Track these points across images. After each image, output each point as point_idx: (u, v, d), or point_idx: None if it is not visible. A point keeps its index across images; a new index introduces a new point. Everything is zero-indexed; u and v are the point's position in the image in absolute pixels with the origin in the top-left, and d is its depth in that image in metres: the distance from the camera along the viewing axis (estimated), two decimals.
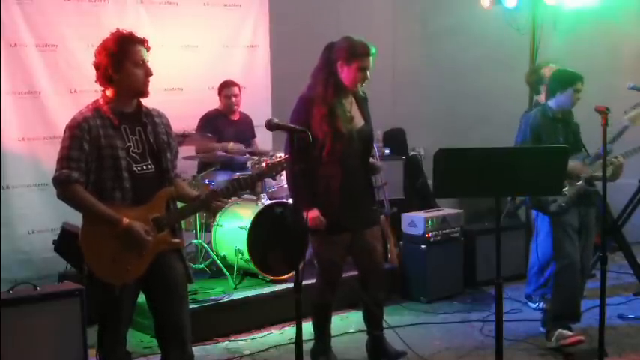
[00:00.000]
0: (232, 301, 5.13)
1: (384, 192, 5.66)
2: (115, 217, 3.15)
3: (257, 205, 5.53)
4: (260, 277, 5.48)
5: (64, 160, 3.15)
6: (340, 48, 4.08)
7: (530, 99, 6.36)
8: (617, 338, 4.81)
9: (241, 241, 5.33)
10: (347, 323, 5.19)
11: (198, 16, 6.68)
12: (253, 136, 6.44)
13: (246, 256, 5.31)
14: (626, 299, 5.69)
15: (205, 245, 5.69)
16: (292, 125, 3.61)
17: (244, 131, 6.34)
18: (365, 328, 4.53)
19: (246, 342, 4.90)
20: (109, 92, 3.27)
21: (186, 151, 5.67)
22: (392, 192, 6.21)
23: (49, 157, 4.79)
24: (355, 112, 4.21)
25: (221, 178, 5.81)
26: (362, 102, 4.26)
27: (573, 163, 4.51)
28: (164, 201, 3.32)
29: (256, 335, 5.01)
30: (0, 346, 3.83)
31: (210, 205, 3.41)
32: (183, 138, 5.42)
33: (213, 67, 6.72)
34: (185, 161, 5.58)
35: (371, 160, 4.32)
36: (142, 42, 3.27)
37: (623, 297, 5.75)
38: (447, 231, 5.85)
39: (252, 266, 5.38)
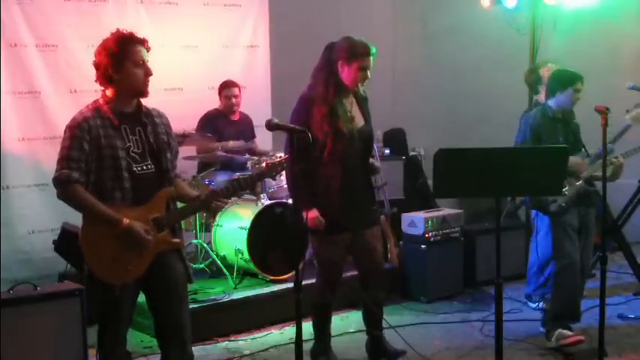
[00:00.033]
0: (232, 301, 5.13)
1: (384, 192, 5.65)
2: (115, 217, 3.15)
3: (257, 205, 5.53)
4: (260, 277, 5.48)
5: (64, 160, 3.15)
6: (340, 48, 4.08)
7: (530, 99, 6.37)
8: (617, 338, 4.81)
9: (241, 241, 5.33)
10: (347, 323, 5.18)
11: (198, 16, 6.68)
12: (253, 136, 6.44)
13: (246, 256, 5.31)
14: (626, 299, 5.69)
15: (205, 245, 5.69)
16: (292, 125, 3.60)
17: (244, 131, 6.32)
18: (365, 328, 4.53)
19: (246, 342, 4.90)
20: (109, 92, 3.27)
21: (186, 151, 5.66)
22: (392, 192, 6.20)
23: (49, 157, 4.79)
24: (355, 111, 4.21)
25: (221, 178, 5.81)
26: (362, 102, 4.26)
27: (574, 158, 4.51)
28: (164, 201, 3.32)
29: (256, 335, 5.01)
30: (0, 346, 3.83)
31: (210, 205, 3.41)
32: (183, 138, 5.41)
33: (213, 67, 6.71)
34: (185, 161, 5.58)
35: (370, 160, 4.32)
36: (142, 42, 3.27)
37: (623, 297, 5.75)
38: (447, 231, 5.84)
39: (252, 266, 5.38)
